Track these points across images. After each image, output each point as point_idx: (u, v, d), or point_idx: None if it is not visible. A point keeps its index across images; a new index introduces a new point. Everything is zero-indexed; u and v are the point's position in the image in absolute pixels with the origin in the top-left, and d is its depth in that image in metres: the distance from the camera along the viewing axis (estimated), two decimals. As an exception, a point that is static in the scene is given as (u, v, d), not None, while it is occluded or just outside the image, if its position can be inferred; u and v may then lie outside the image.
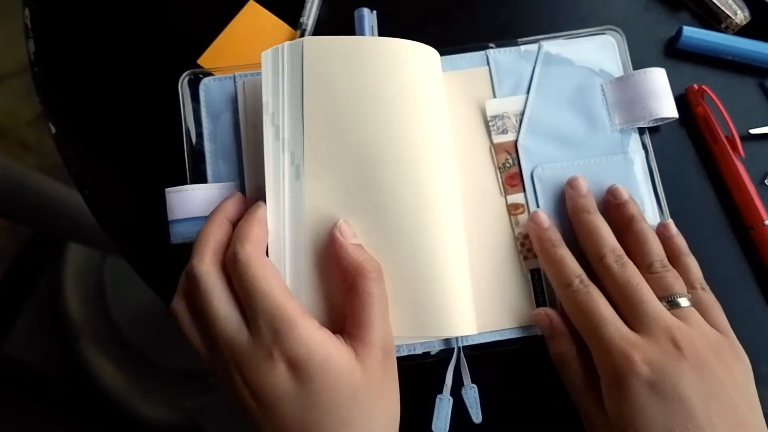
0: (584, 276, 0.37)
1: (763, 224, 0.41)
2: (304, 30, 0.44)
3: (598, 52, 0.43)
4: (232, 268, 0.33)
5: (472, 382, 0.38)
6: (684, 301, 0.35)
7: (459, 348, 0.39)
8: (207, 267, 0.33)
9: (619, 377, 0.33)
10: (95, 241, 0.93)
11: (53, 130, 0.44)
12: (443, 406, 0.38)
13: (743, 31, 0.45)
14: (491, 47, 0.43)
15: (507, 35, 0.45)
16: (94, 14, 0.46)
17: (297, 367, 0.31)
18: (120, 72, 0.45)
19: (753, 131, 0.43)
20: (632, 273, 0.36)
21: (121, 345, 1.03)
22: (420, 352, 0.39)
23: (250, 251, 0.32)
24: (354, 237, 0.35)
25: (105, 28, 0.46)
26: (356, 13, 0.44)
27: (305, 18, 0.44)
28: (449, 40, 0.43)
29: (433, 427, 0.38)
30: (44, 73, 0.45)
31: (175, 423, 1.00)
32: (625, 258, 0.37)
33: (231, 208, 0.36)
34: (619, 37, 0.43)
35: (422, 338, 0.38)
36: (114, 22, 0.46)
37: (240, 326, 0.32)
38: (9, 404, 1.04)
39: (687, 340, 0.33)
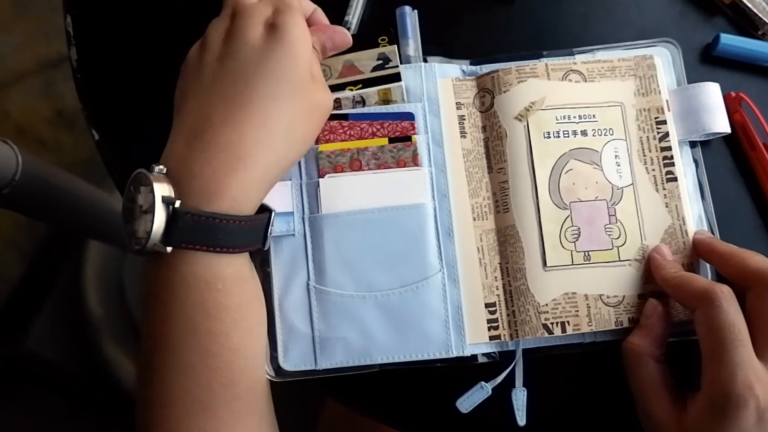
0: (724, 285, 0.35)
1: (800, 231, 0.41)
2: (349, 27, 0.45)
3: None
4: None
5: (525, 385, 0.39)
6: None
7: (520, 349, 0.40)
8: None
9: (731, 403, 0.32)
10: (117, 239, 0.94)
11: (96, 136, 0.45)
12: (478, 392, 0.39)
13: (780, 39, 0.45)
14: (544, 55, 0.44)
15: (542, 42, 0.45)
16: (134, 20, 0.47)
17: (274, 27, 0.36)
18: (159, 76, 0.45)
19: (790, 138, 0.44)
20: None
21: (140, 342, 1.03)
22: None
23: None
24: None
25: (145, 33, 0.46)
26: (398, 11, 0.45)
27: (350, 16, 0.45)
28: (483, 46, 0.44)
29: (458, 402, 0.39)
30: (87, 81, 0.46)
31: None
32: None
33: None
34: (674, 48, 0.43)
35: None
36: (154, 27, 0.47)
37: None
38: (31, 400, 1.05)
39: None
